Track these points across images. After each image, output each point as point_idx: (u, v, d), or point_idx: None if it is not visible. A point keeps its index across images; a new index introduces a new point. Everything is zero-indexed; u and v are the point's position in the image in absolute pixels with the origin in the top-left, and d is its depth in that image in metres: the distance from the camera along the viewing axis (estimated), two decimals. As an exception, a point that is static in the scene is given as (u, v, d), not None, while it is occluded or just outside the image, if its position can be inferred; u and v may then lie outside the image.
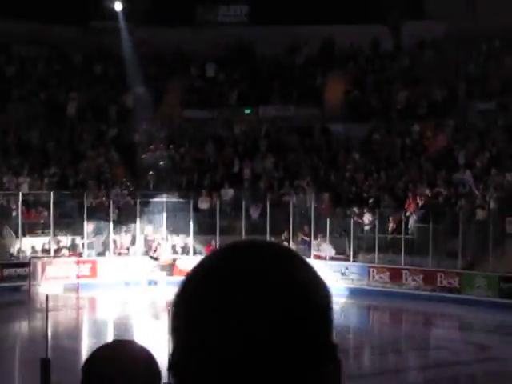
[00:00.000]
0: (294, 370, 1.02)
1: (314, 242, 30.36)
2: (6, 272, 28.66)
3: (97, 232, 31.25)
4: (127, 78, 37.86)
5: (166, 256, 30.84)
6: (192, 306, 1.05)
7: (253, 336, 1.00)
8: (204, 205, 32.89)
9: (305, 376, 1.02)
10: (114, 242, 31.15)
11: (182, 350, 1.04)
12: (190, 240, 31.51)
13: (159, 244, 31.20)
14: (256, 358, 1.00)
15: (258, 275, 1.04)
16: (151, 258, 30.70)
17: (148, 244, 31.55)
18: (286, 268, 1.06)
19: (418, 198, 30.07)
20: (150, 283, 29.55)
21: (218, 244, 30.52)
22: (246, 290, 1.02)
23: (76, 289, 27.17)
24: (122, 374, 2.00)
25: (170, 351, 1.05)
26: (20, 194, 30.67)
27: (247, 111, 37.80)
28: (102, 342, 2.01)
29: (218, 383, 1.01)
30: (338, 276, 28.75)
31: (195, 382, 1.02)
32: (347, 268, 29.33)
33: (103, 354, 2.09)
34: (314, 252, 29.84)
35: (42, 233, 30.53)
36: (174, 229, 31.88)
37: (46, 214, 30.83)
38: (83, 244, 30.68)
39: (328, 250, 30.04)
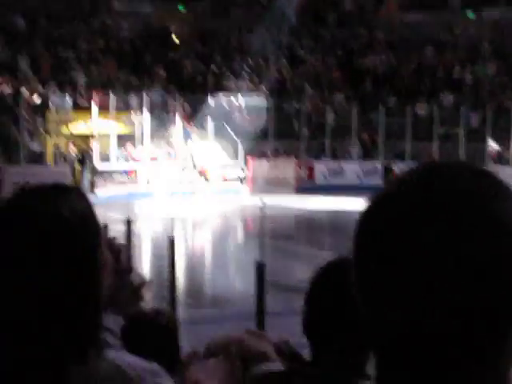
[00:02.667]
0: None
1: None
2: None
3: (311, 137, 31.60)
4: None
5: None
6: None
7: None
8: (422, 110, 32.35)
9: None
10: (331, 146, 31.38)
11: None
12: (408, 146, 31.06)
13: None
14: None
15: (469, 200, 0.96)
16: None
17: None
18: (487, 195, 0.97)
19: None
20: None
21: (434, 151, 30.10)
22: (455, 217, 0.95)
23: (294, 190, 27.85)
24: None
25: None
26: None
27: (470, 15, 36.42)
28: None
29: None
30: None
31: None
32: None
33: (330, 268, 2.15)
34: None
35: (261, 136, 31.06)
36: (390, 134, 31.45)
37: (265, 118, 31.43)
38: (300, 148, 31.14)
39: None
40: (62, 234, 1.40)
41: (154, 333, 3.27)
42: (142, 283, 2.13)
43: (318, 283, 2.17)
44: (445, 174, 0.98)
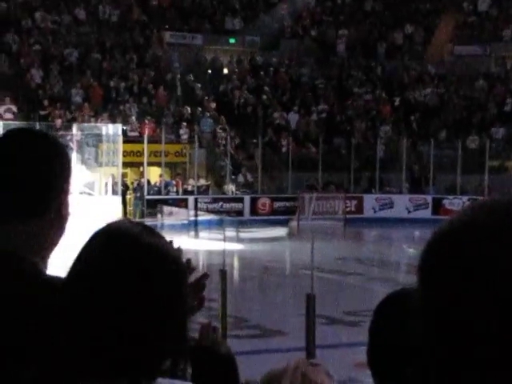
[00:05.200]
0: None
1: None
2: (276, 205, 29.78)
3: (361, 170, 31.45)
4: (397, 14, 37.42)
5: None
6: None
7: None
8: (473, 144, 32.09)
9: None
10: (381, 179, 31.18)
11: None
12: (458, 179, 30.73)
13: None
14: None
15: None
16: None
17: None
18: None
19: None
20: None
21: (486, 184, 29.73)
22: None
23: (343, 224, 27.73)
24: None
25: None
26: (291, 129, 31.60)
27: (522, 47, 36.20)
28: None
29: None
30: None
31: None
32: None
33: (395, 299, 2.12)
34: None
35: (310, 169, 31.07)
36: (440, 167, 31.16)
37: (313, 150, 31.43)
38: (350, 180, 31.02)
39: None
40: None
41: (216, 363, 3.24)
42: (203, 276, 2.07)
43: (381, 315, 2.16)
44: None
